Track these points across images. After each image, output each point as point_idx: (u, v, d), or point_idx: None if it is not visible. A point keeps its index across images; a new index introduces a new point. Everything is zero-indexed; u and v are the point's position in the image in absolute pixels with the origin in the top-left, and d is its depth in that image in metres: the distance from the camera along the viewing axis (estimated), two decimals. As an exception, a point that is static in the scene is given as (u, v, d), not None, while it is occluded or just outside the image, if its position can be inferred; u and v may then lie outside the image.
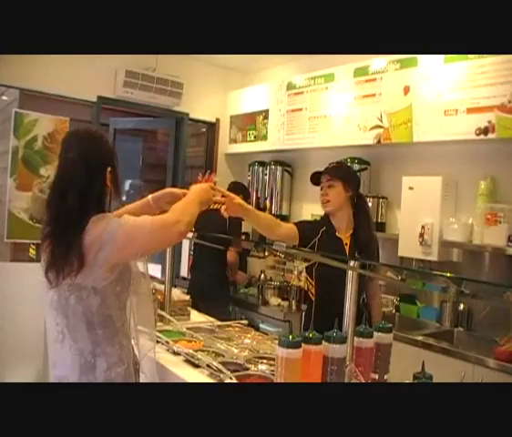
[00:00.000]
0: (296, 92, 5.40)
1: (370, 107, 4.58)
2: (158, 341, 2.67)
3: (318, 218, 3.54)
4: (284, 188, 5.79)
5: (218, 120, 6.51)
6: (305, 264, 3.64)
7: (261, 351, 2.63)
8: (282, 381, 1.72)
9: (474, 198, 3.94)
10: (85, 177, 1.97)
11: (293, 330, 4.38)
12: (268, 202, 5.80)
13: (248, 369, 2.34)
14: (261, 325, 4.85)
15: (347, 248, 3.25)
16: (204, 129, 6.67)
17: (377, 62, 4.51)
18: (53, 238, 1.94)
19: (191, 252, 5.54)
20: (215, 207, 4.68)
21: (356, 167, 4.82)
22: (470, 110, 3.80)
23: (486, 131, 3.71)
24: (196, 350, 2.54)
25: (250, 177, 6.11)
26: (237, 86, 6.40)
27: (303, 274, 5.09)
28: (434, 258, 3.99)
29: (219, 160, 6.55)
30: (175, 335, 2.83)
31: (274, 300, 5.02)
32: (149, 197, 2.60)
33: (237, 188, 5.29)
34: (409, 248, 4.14)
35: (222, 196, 2.71)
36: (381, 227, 4.69)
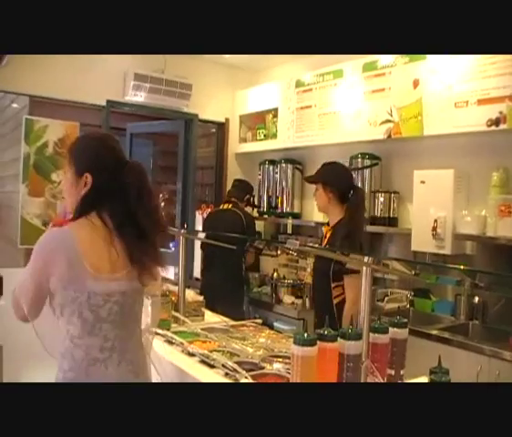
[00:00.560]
0: (305, 89, 5.39)
1: (379, 102, 4.56)
2: (172, 343, 2.68)
3: None
4: (295, 185, 5.77)
5: (227, 120, 6.51)
6: None
7: (276, 350, 2.62)
8: (299, 380, 1.72)
9: (486, 190, 3.92)
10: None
11: (308, 327, 4.39)
12: (279, 201, 5.79)
13: (263, 368, 2.33)
14: (276, 323, 4.85)
15: (325, 240, 3.44)
16: (214, 130, 6.67)
17: (386, 56, 4.49)
18: None
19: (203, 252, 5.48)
20: (226, 207, 4.70)
21: (367, 162, 4.82)
22: (481, 101, 3.78)
23: (497, 122, 3.68)
24: (211, 351, 2.54)
25: (260, 177, 6.09)
26: (245, 85, 6.40)
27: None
28: (447, 251, 3.96)
29: (229, 160, 6.55)
30: (189, 336, 2.84)
31: (288, 299, 5.02)
32: None
33: (241, 185, 5.30)
34: (422, 242, 4.11)
35: None
36: (393, 222, 4.68)
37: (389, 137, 4.48)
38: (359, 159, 4.88)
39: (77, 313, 1.89)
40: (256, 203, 5.89)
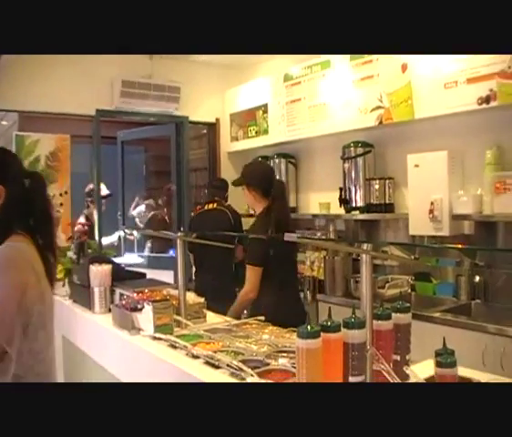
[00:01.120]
0: (293, 83, 5.38)
1: (369, 89, 4.56)
2: (176, 347, 2.67)
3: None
4: (290, 179, 5.77)
5: (218, 120, 6.51)
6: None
7: (280, 345, 2.61)
8: (305, 373, 1.71)
9: (481, 169, 3.91)
10: None
11: (310, 320, 4.38)
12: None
13: (268, 364, 2.32)
14: (278, 319, 4.83)
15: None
16: (205, 131, 6.66)
17: (372, 43, 4.48)
18: None
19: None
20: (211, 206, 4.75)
21: (360, 150, 4.83)
22: (470, 80, 3.77)
23: (487, 100, 3.68)
24: (215, 352, 2.52)
25: (254, 174, 6.07)
26: (234, 83, 6.38)
27: (316, 264, 5.08)
28: (445, 233, 3.96)
29: (222, 160, 6.55)
30: (193, 338, 2.82)
31: (289, 293, 4.99)
32: None
33: (222, 184, 5.33)
34: (420, 225, 4.11)
35: None
36: (389, 208, 4.68)
37: (380, 123, 4.48)
38: (352, 148, 4.88)
39: (42, 326, 1.90)
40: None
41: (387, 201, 4.68)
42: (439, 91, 3.97)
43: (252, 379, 2.11)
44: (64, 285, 3.80)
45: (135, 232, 7.66)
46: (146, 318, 2.81)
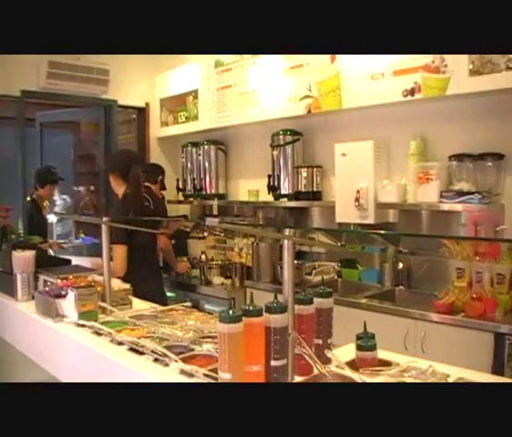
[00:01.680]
0: (224, 69, 5.36)
1: (298, 78, 4.59)
2: (100, 334, 2.63)
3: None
4: (219, 166, 5.77)
5: (147, 105, 6.42)
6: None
7: (206, 331, 2.61)
8: (226, 356, 1.72)
9: (405, 159, 4.02)
10: None
11: (238, 305, 4.40)
12: (204, 183, 5.76)
13: (193, 350, 2.32)
14: (206, 305, 4.84)
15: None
16: (134, 115, 6.56)
17: (302, 32, 4.51)
18: None
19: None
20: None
21: (289, 138, 4.87)
22: (396, 73, 3.86)
23: (412, 92, 3.77)
24: (139, 338, 2.50)
25: (184, 159, 6.04)
26: (165, 68, 6.28)
27: (244, 250, 5.10)
28: (370, 221, 4.04)
29: (151, 145, 6.46)
30: (117, 325, 2.78)
31: (217, 280, 5.00)
32: None
33: (152, 168, 5.27)
34: (346, 213, 4.18)
35: None
36: (317, 195, 4.75)
37: (309, 112, 4.52)
38: (281, 136, 4.92)
39: None
40: (181, 186, 5.87)
41: (315, 189, 4.73)
42: (366, 82, 4.04)
43: (177, 364, 2.11)
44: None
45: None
46: (70, 304, 2.76)
